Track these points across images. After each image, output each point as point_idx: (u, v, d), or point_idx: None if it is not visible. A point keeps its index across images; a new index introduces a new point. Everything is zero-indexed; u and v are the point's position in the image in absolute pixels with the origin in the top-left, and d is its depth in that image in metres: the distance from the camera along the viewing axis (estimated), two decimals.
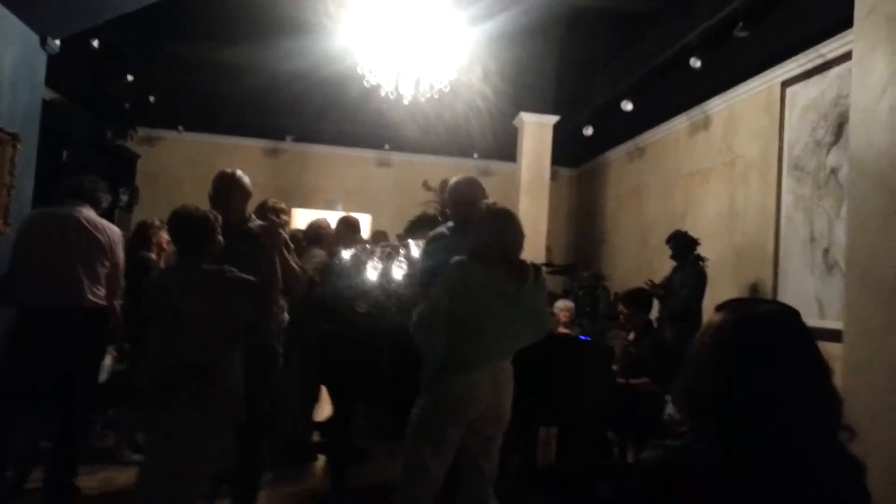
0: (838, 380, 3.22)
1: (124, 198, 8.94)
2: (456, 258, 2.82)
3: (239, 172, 3.38)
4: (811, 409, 1.18)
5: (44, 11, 4.08)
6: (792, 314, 1.28)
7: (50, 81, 4.65)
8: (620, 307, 4.81)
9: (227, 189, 3.31)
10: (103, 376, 4.55)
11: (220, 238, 3.02)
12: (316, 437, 5.20)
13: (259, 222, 3.44)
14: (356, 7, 5.21)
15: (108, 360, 4.64)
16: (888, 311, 2.71)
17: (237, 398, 3.01)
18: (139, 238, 4.63)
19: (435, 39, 5.15)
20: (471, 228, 2.95)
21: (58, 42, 4.42)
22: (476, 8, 5.27)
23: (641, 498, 1.22)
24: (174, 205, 3.44)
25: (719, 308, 1.32)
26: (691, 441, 1.22)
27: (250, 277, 2.95)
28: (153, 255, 4.51)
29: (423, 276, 3.31)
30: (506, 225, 2.88)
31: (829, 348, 3.95)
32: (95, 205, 3.84)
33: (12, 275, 3.64)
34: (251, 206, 3.72)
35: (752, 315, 1.26)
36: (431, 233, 3.55)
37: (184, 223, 2.98)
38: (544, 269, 7.96)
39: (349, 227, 5.11)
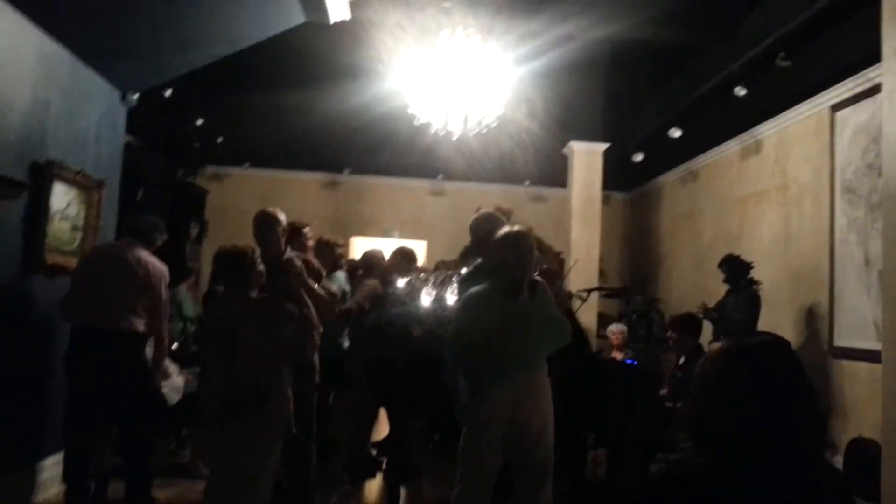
0: (879, 402, 3.25)
1: (195, 231, 9.48)
2: (466, 293, 3.04)
3: (275, 210, 3.67)
4: (798, 427, 1.32)
5: (125, 70, 4.52)
6: (783, 344, 1.43)
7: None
8: (670, 332, 4.90)
9: (264, 227, 3.60)
10: (176, 397, 4.90)
11: (262, 268, 3.28)
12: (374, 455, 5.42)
13: (295, 254, 3.75)
14: (406, 52, 5.51)
15: (180, 382, 4.99)
16: None
17: (288, 414, 3.30)
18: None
19: (482, 79, 5.39)
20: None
21: (136, 96, 4.86)
22: (522, 50, 5.49)
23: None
24: (242, 237, 3.72)
25: (721, 341, 1.48)
26: (691, 456, 1.38)
27: (293, 307, 3.23)
28: None
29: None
30: (511, 248, 3.01)
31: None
32: (148, 243, 4.12)
33: (70, 296, 3.97)
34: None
35: (746, 345, 1.41)
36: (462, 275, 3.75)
37: (223, 260, 3.27)
38: (598, 293, 8.08)
39: (405, 258, 5.35)
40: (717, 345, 1.47)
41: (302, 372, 3.53)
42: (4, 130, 3.50)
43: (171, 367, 4.78)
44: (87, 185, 4.25)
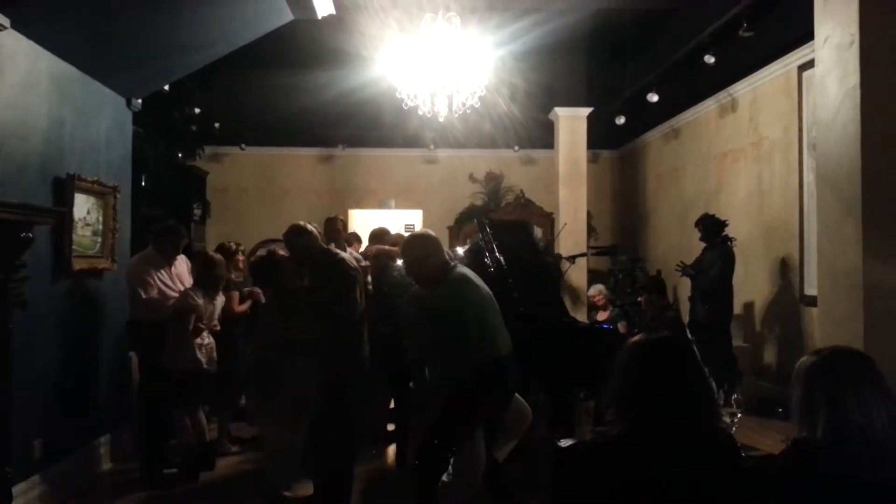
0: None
1: (198, 212, 9.86)
2: None
3: (303, 223, 4.05)
4: (686, 402, 1.74)
5: (129, 79, 4.84)
6: (676, 339, 1.84)
7: None
8: (640, 297, 5.33)
9: (299, 238, 3.99)
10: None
11: (288, 268, 3.95)
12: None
13: (341, 254, 4.15)
14: (390, 37, 5.79)
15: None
16: (848, 299, 3.16)
17: (304, 396, 3.82)
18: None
19: (464, 61, 5.68)
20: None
21: (140, 101, 5.19)
22: (502, 34, 5.78)
23: (582, 465, 1.81)
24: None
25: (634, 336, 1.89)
26: (612, 427, 1.81)
27: (322, 314, 3.73)
28: (232, 275, 5.22)
29: None
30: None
31: None
32: (160, 248, 4.76)
33: None
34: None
35: (648, 341, 1.83)
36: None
37: (258, 267, 4.08)
38: (589, 250, 8.46)
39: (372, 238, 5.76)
40: (634, 339, 1.89)
41: (339, 364, 3.90)
42: (28, 152, 3.84)
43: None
44: (103, 192, 4.61)
